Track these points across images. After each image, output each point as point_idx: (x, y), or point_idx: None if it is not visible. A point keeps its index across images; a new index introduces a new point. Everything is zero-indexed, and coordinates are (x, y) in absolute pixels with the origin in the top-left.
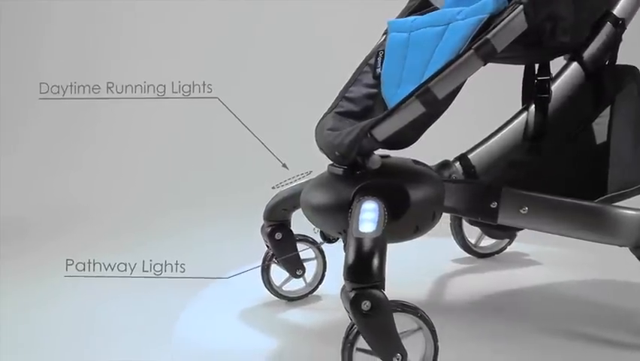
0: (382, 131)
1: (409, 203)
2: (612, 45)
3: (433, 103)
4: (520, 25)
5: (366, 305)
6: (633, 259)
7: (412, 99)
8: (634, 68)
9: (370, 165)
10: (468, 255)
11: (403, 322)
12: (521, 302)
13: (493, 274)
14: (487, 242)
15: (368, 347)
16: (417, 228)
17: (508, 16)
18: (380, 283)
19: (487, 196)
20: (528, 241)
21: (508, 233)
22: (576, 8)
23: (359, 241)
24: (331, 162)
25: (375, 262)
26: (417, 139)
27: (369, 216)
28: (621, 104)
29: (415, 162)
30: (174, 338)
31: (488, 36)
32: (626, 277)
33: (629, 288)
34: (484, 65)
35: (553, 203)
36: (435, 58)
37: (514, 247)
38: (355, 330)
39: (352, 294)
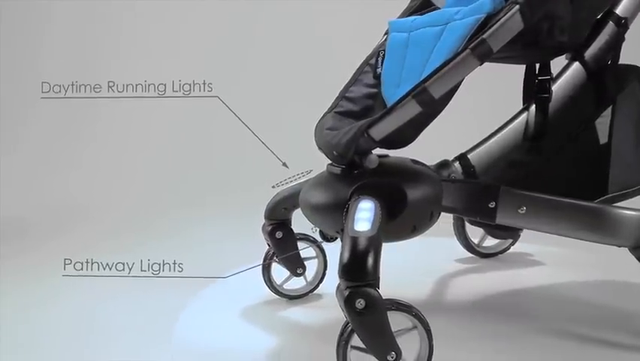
0: (379, 131)
1: (406, 202)
2: (614, 45)
3: (429, 103)
4: (516, 25)
5: (360, 303)
6: (636, 260)
7: (408, 99)
8: (637, 67)
9: (368, 165)
10: (471, 255)
11: (398, 321)
12: (524, 302)
13: (496, 274)
14: (491, 242)
15: (363, 345)
16: (414, 227)
17: (504, 16)
18: (374, 282)
19: (485, 196)
20: (532, 241)
21: (511, 233)
22: (574, 8)
23: (354, 240)
24: (330, 162)
25: (370, 260)
26: (414, 138)
27: (364, 215)
28: (623, 103)
29: (414, 161)
30: (174, 338)
31: (484, 36)
32: (629, 278)
33: (632, 289)
34: (481, 64)
35: (552, 203)
36: (433, 58)
37: (518, 247)
38: (350, 328)
39: (347, 292)
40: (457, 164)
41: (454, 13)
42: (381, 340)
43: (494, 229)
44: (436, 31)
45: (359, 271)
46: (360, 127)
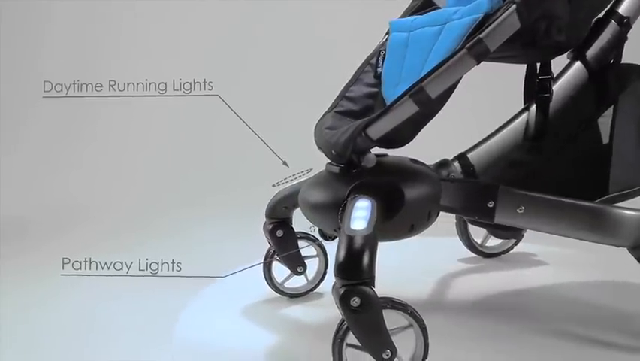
0: (377, 130)
1: (403, 201)
2: (617, 44)
3: (426, 102)
4: (512, 25)
5: (355, 301)
6: (636, 260)
7: (405, 98)
8: (639, 66)
9: (365, 164)
10: (474, 255)
11: (394, 319)
12: (526, 303)
13: (498, 274)
14: (494, 242)
15: (358, 343)
16: (412, 226)
17: (501, 15)
18: (370, 280)
19: (484, 195)
20: (535, 241)
21: (514, 233)
22: (572, 7)
23: (350, 239)
24: (329, 161)
25: (365, 259)
26: (412, 138)
27: (361, 214)
28: (625, 103)
29: (413, 160)
30: (174, 337)
31: (481, 35)
32: (629, 278)
33: (632, 289)
34: (478, 64)
35: (551, 203)
36: (431, 57)
37: (522, 247)
38: (345, 326)
39: (342, 290)
40: (456, 163)
41: (453, 13)
42: (376, 338)
43: (496, 229)
44: (435, 31)
45: (354, 270)
46: (358, 126)
